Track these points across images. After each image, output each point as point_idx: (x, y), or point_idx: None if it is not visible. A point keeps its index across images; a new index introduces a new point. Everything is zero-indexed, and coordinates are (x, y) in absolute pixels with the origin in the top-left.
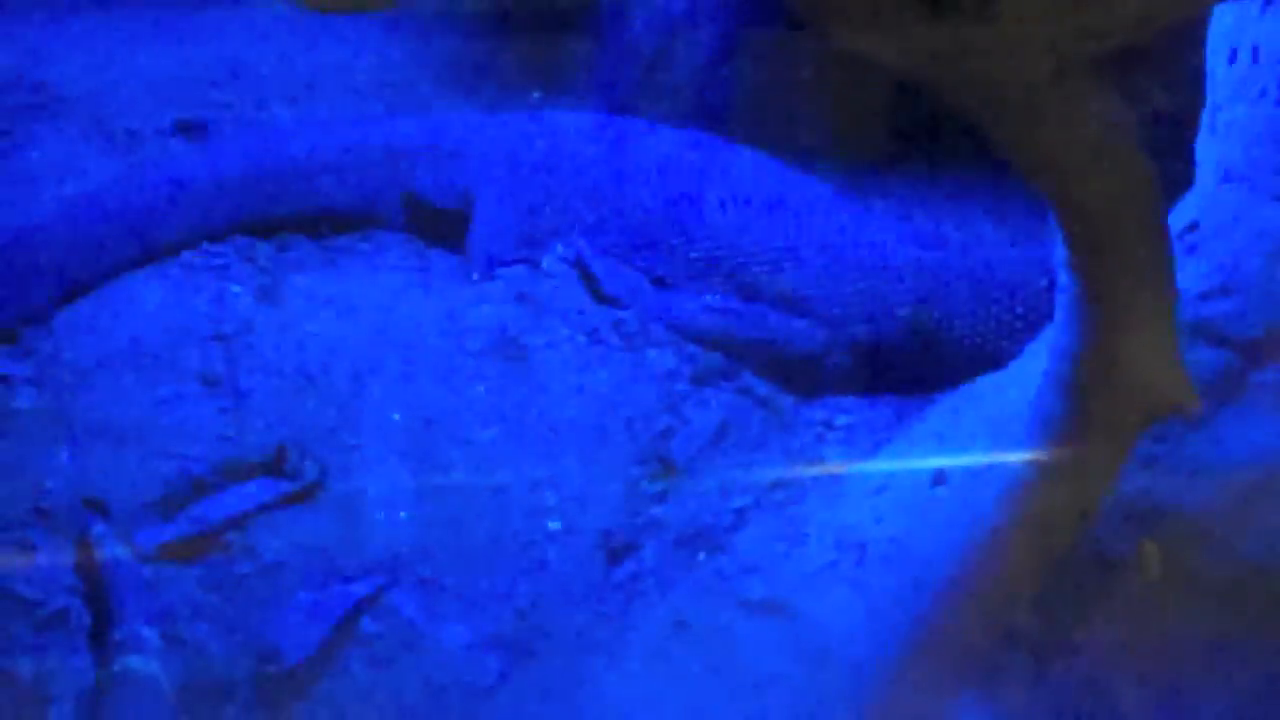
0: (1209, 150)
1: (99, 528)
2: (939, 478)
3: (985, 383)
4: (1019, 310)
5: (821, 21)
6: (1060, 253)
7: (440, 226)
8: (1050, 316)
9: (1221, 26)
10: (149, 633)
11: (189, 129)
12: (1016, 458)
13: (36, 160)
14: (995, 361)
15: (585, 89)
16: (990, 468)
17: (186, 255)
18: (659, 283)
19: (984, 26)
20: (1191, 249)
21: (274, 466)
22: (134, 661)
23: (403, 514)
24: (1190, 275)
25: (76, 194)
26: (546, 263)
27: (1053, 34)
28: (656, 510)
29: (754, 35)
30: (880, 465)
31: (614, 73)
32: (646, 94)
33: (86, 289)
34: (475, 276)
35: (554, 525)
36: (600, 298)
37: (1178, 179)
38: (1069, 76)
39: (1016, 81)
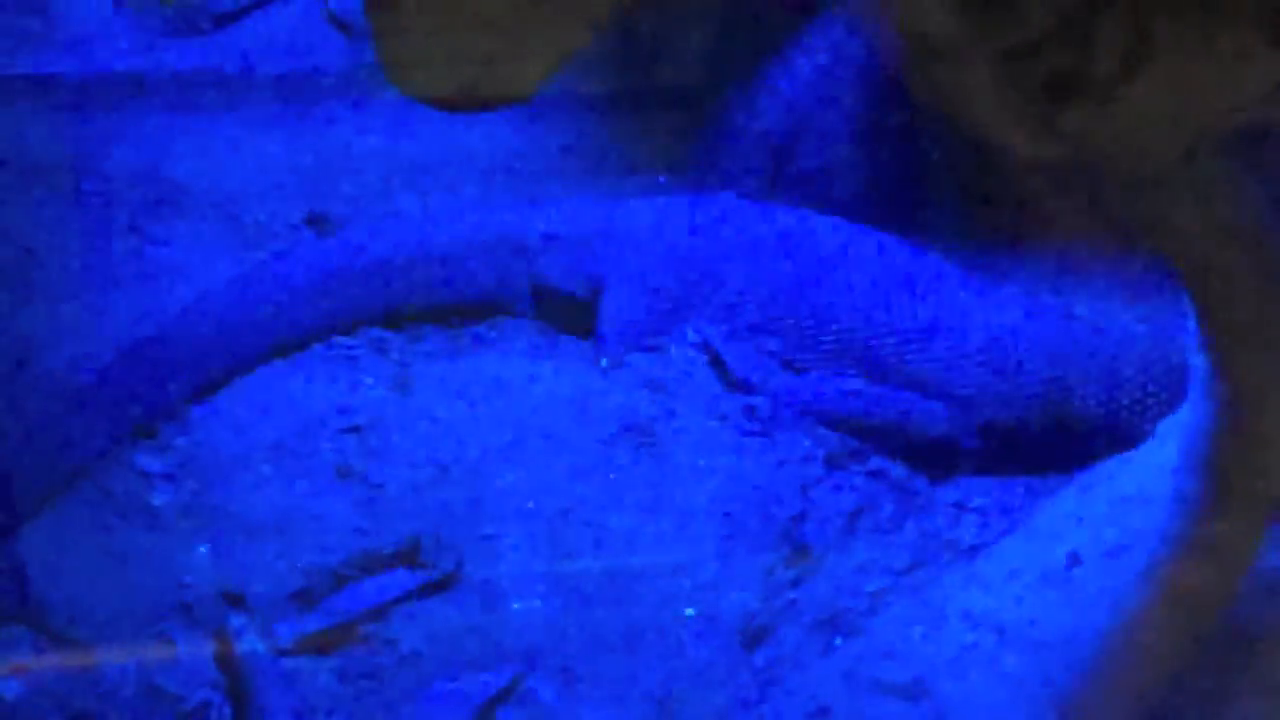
0: None
1: (238, 621)
2: (1075, 558)
3: (1120, 462)
4: (1151, 388)
5: (947, 107)
6: (1194, 331)
7: (569, 313)
8: (1184, 394)
9: None
10: None
11: (317, 222)
12: (1154, 537)
13: (167, 256)
14: (1129, 440)
15: (712, 174)
16: (1127, 547)
17: (318, 348)
18: (789, 366)
19: (1110, 110)
20: None
21: (410, 557)
22: None
23: (538, 602)
24: None
25: (208, 289)
26: (676, 348)
27: (1181, 115)
28: (792, 595)
29: (881, 120)
30: (1016, 546)
31: (742, 160)
32: (776, 180)
33: (220, 384)
34: (605, 363)
35: (689, 612)
36: (730, 383)
37: None
38: (1199, 156)
39: (1144, 163)
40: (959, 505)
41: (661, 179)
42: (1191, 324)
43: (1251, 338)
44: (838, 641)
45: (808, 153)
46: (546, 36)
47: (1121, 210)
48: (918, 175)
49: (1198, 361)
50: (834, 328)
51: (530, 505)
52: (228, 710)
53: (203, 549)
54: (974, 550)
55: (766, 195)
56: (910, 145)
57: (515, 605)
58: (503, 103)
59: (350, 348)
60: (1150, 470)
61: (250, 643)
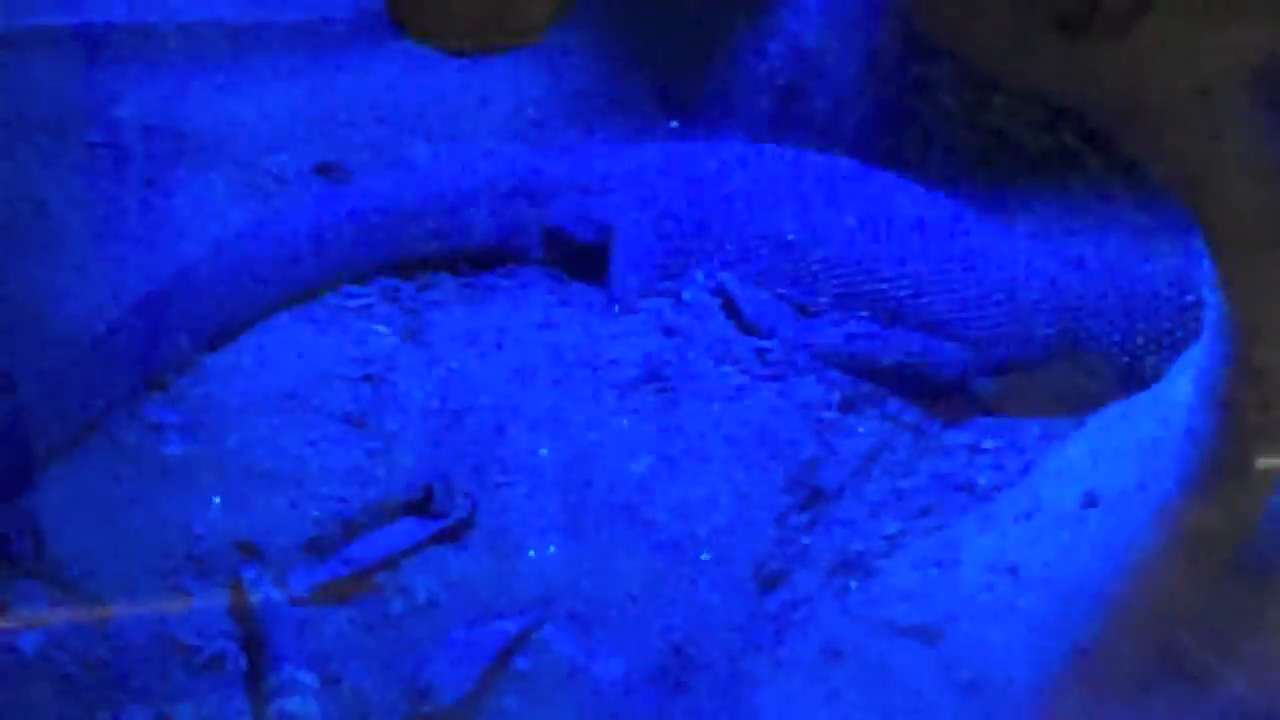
0: None
1: (252, 572)
2: (1090, 499)
3: (1134, 402)
4: (1165, 327)
5: (957, 46)
6: (1206, 268)
7: (581, 260)
8: (1197, 333)
9: None
10: (305, 675)
11: (329, 171)
12: (1168, 477)
13: (180, 207)
14: (1143, 380)
15: (722, 119)
16: (1142, 487)
17: (330, 297)
18: (802, 310)
19: (1122, 45)
20: None
21: (423, 505)
22: (291, 704)
23: (553, 549)
24: None
25: (220, 239)
26: (689, 294)
27: (1194, 51)
28: (807, 539)
29: (891, 60)
30: (1030, 488)
31: (751, 102)
32: (784, 123)
33: (233, 334)
34: (617, 309)
35: (705, 556)
36: (744, 327)
37: None
38: (1215, 93)
39: (1155, 100)
40: (973, 448)
41: (672, 124)
42: (1205, 262)
43: (1263, 274)
44: (852, 585)
45: (816, 93)
46: None
47: (1134, 146)
48: (928, 116)
49: (1211, 299)
50: (846, 271)
51: (544, 452)
52: (243, 660)
53: (216, 500)
54: (988, 492)
55: (775, 136)
56: (920, 85)
57: (530, 552)
58: (511, 47)
59: (362, 297)
60: (1164, 410)
61: (265, 593)
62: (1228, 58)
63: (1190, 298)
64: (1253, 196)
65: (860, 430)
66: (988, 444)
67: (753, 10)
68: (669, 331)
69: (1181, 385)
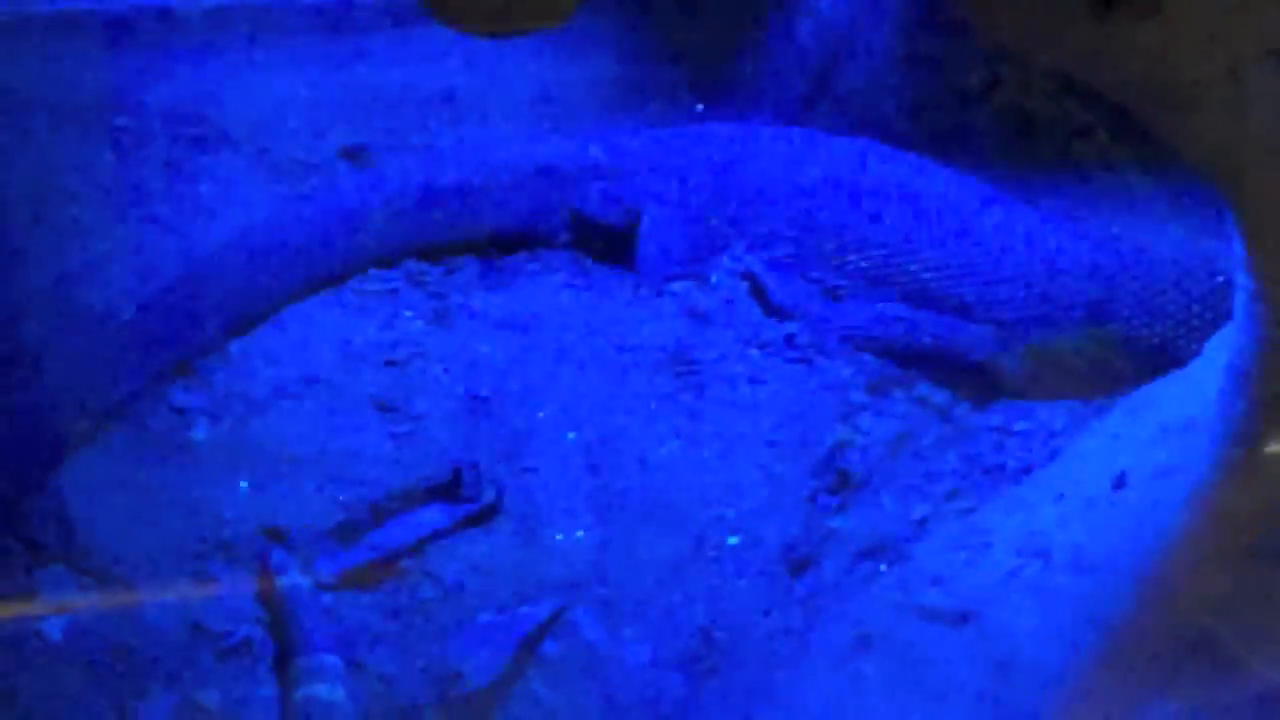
0: None
1: (279, 557)
2: (1120, 481)
3: (1165, 384)
4: (1196, 309)
5: (987, 25)
6: (1238, 250)
7: (608, 244)
8: (1229, 314)
9: None
10: (332, 660)
11: (354, 155)
12: (1200, 459)
13: (205, 192)
14: (1174, 362)
15: (750, 101)
16: (1173, 469)
17: (356, 281)
18: (830, 293)
19: (1152, 24)
20: None
21: (450, 490)
22: (319, 689)
23: (580, 533)
24: None
25: (245, 224)
26: (715, 277)
27: (1224, 31)
28: (835, 522)
29: (921, 42)
30: (1061, 470)
31: (780, 84)
32: (814, 104)
33: (259, 319)
34: (644, 293)
35: (733, 540)
36: (771, 310)
37: None
38: (1244, 74)
39: (1184, 80)
40: (1002, 430)
41: (699, 107)
42: (1235, 243)
43: None
44: (882, 569)
45: (846, 74)
46: None
47: (1163, 126)
48: (957, 96)
49: (1241, 281)
50: (874, 253)
51: (571, 436)
52: (270, 646)
53: (243, 485)
54: (1018, 475)
55: (803, 118)
56: (950, 66)
57: (557, 537)
58: (537, 30)
59: (389, 281)
60: (1196, 391)
61: (292, 578)
62: (1257, 38)
63: (1220, 279)
64: None
65: (889, 413)
66: (1017, 426)
67: None
68: (696, 315)
69: (1214, 367)
